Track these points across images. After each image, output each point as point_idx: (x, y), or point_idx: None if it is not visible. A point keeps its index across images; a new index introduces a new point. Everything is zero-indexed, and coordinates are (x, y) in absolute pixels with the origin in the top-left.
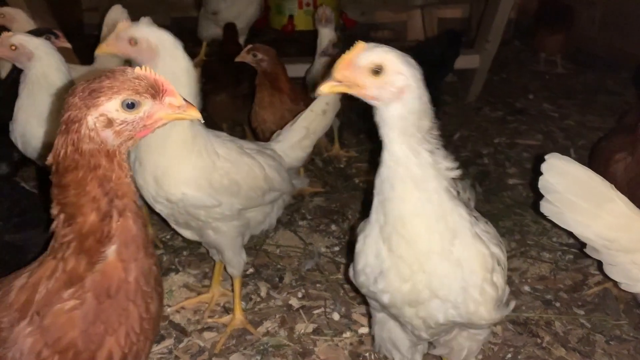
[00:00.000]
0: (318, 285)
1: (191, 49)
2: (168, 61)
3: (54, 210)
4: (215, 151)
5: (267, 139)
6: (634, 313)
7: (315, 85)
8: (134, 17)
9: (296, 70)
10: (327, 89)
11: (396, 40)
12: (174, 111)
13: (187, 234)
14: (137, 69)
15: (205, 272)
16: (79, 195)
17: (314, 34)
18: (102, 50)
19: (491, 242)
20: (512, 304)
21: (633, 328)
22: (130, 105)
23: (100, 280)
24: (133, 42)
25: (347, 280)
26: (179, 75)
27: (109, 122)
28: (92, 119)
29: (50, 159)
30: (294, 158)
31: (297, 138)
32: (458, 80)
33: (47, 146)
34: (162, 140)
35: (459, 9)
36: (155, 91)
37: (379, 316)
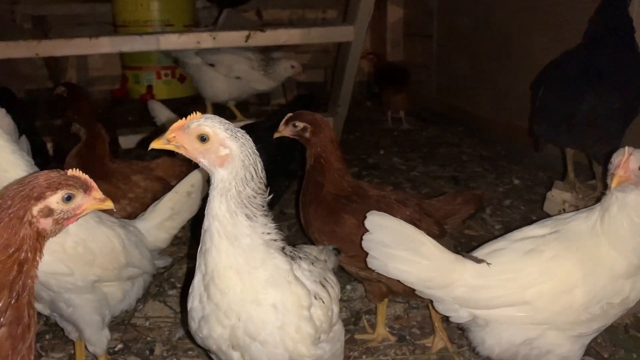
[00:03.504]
0: (190, 352)
1: (47, 121)
2: None
3: None
4: None
5: None
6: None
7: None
8: None
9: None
10: (157, 145)
11: (262, 104)
12: (97, 202)
13: (39, 307)
14: (71, 170)
15: (71, 353)
16: None
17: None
18: None
19: (310, 280)
20: (340, 342)
21: (473, 352)
22: (68, 198)
23: None
24: None
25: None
26: None
27: (50, 212)
28: (36, 209)
29: None
30: (157, 238)
31: (161, 219)
32: None
33: None
34: None
35: (315, 75)
36: (86, 187)
37: None
